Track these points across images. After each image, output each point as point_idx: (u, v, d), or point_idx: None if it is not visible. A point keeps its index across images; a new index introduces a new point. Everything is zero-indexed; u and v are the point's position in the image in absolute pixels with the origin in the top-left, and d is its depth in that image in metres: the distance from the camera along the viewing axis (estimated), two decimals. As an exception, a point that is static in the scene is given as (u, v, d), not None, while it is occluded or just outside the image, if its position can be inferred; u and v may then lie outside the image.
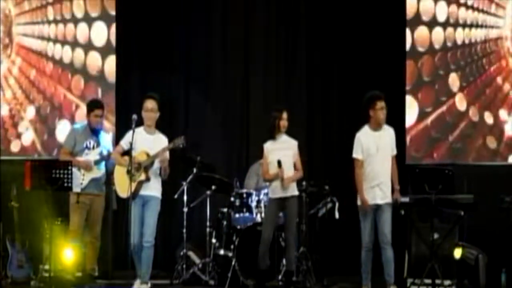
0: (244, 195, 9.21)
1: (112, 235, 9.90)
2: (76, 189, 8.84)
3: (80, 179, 8.89)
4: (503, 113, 10.08)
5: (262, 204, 9.09)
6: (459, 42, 10.22)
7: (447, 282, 8.55)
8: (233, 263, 8.82)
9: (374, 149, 8.27)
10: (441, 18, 10.25)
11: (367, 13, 10.44)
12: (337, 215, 9.20)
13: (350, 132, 10.04)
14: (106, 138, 9.30)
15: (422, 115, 10.25)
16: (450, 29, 10.24)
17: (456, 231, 8.87)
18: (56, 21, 10.76)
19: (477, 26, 10.17)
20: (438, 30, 10.26)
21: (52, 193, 8.47)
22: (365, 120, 8.42)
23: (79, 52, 10.71)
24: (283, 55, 10.68)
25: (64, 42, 10.74)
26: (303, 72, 10.61)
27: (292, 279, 8.51)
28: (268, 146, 8.51)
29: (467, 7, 10.20)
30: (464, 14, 10.21)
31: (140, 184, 8.32)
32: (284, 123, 8.47)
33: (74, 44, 10.72)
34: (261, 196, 9.11)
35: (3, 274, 9.14)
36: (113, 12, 10.67)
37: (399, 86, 10.20)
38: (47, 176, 8.44)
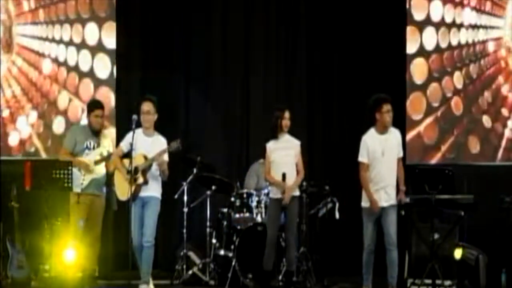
0: (245, 195, 9.21)
1: (113, 236, 9.91)
2: (77, 189, 8.83)
3: (80, 180, 8.88)
4: (503, 114, 10.09)
5: (262, 205, 9.09)
6: (454, 43, 10.23)
7: (447, 283, 8.56)
8: (233, 263, 8.82)
9: (380, 152, 8.21)
10: (436, 18, 10.27)
11: (368, 13, 10.43)
12: (337, 216, 9.20)
13: (351, 132, 10.12)
14: (107, 138, 9.30)
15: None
16: (443, 29, 10.25)
17: (457, 231, 8.86)
18: (56, 22, 10.76)
19: (477, 27, 10.18)
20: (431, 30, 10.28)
21: (52, 194, 8.48)
22: (371, 122, 8.37)
23: (81, 52, 10.71)
24: (283, 55, 10.67)
25: (64, 42, 10.73)
26: (303, 72, 10.60)
27: (293, 279, 8.52)
28: (270, 145, 8.49)
29: (467, 7, 10.23)
30: (465, 15, 10.24)
31: (139, 187, 8.34)
32: (286, 122, 8.46)
33: (74, 44, 10.72)
34: (262, 197, 9.11)
35: (3, 275, 9.12)
36: (113, 13, 10.68)
37: (400, 87, 10.19)
38: (47, 176, 8.44)
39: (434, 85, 10.25)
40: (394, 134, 8.37)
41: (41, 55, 10.77)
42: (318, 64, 10.60)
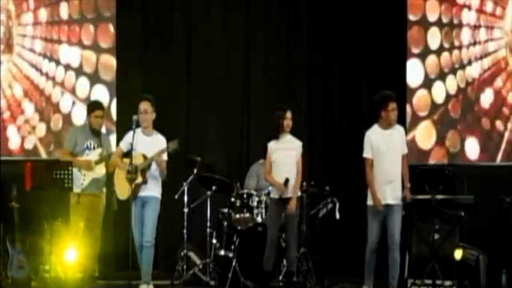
0: (245, 196, 9.21)
1: (113, 236, 9.90)
2: (77, 189, 8.83)
3: (80, 180, 8.89)
4: (503, 114, 10.09)
5: (263, 205, 9.09)
6: (456, 43, 10.26)
7: (447, 283, 8.56)
8: (233, 263, 8.82)
9: (384, 148, 8.18)
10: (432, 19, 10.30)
11: (368, 12, 10.44)
12: (337, 216, 9.18)
13: (351, 133, 10.13)
14: (107, 138, 9.30)
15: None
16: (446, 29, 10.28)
17: (457, 231, 8.85)
18: (56, 22, 10.76)
19: (476, 27, 10.20)
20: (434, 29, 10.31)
21: (52, 194, 8.47)
22: (371, 122, 8.37)
23: (80, 52, 10.71)
24: (283, 55, 10.67)
25: (64, 42, 10.74)
26: (303, 72, 10.60)
27: (293, 279, 8.51)
28: (271, 145, 8.47)
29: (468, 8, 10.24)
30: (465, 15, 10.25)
31: (138, 186, 8.34)
32: (288, 122, 8.44)
33: (74, 44, 10.72)
34: (262, 197, 9.11)
35: (4, 275, 9.12)
36: (113, 13, 10.67)
37: (400, 86, 10.19)
38: (48, 177, 8.43)
39: (438, 83, 10.26)
40: (398, 130, 8.35)
41: (42, 55, 10.77)
42: (318, 64, 10.59)
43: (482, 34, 10.17)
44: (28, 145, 10.71)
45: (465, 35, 10.20)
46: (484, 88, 10.15)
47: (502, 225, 8.76)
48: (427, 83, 10.30)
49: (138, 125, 8.39)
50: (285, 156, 8.37)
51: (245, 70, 10.68)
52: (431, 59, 10.29)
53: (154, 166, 8.37)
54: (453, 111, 10.21)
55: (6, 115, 10.75)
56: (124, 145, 8.47)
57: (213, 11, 10.73)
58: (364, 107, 10.28)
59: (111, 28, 10.67)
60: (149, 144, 8.39)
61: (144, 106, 8.46)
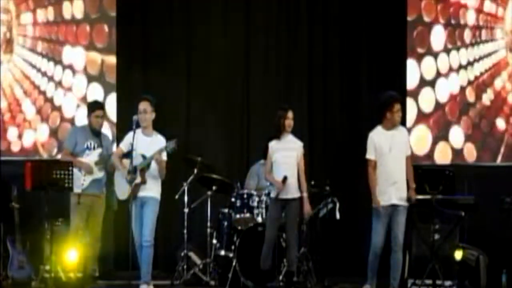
0: (245, 196, 9.21)
1: (113, 236, 9.90)
2: (77, 189, 8.82)
3: (81, 180, 8.88)
4: (503, 114, 10.10)
5: (263, 205, 9.09)
6: (459, 43, 10.26)
7: (447, 283, 8.57)
8: (233, 263, 8.82)
9: (387, 148, 8.19)
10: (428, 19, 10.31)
11: (368, 12, 10.45)
12: (338, 216, 9.18)
13: (351, 133, 10.14)
14: (107, 139, 9.30)
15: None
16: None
17: (457, 232, 8.86)
18: (56, 22, 10.76)
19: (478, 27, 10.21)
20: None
21: (52, 194, 8.48)
22: (375, 120, 8.37)
23: (80, 52, 10.71)
24: (284, 55, 10.67)
25: (64, 43, 10.73)
26: (304, 72, 10.60)
27: (293, 279, 8.51)
28: (272, 145, 8.47)
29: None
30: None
31: (137, 186, 8.35)
32: (289, 122, 8.43)
33: (75, 44, 10.72)
34: (262, 197, 9.11)
35: (4, 275, 9.13)
36: (113, 13, 10.66)
37: (401, 86, 10.19)
38: (48, 177, 8.43)
39: (438, 83, 10.28)
40: (401, 131, 8.36)
41: (42, 55, 10.77)
42: (318, 64, 10.59)
43: (482, 34, 10.17)
44: (28, 145, 10.70)
45: (466, 36, 10.20)
46: (484, 88, 10.15)
47: (503, 225, 8.77)
48: (427, 83, 10.29)
49: (138, 125, 8.41)
50: (285, 157, 8.37)
51: (245, 70, 10.68)
52: (431, 59, 10.29)
53: (153, 166, 8.37)
54: (453, 111, 10.21)
55: (6, 115, 10.74)
56: (124, 145, 8.48)
57: (213, 11, 10.73)
58: (364, 107, 10.29)
59: (112, 28, 10.66)
60: (149, 144, 8.39)
61: (144, 105, 8.47)
